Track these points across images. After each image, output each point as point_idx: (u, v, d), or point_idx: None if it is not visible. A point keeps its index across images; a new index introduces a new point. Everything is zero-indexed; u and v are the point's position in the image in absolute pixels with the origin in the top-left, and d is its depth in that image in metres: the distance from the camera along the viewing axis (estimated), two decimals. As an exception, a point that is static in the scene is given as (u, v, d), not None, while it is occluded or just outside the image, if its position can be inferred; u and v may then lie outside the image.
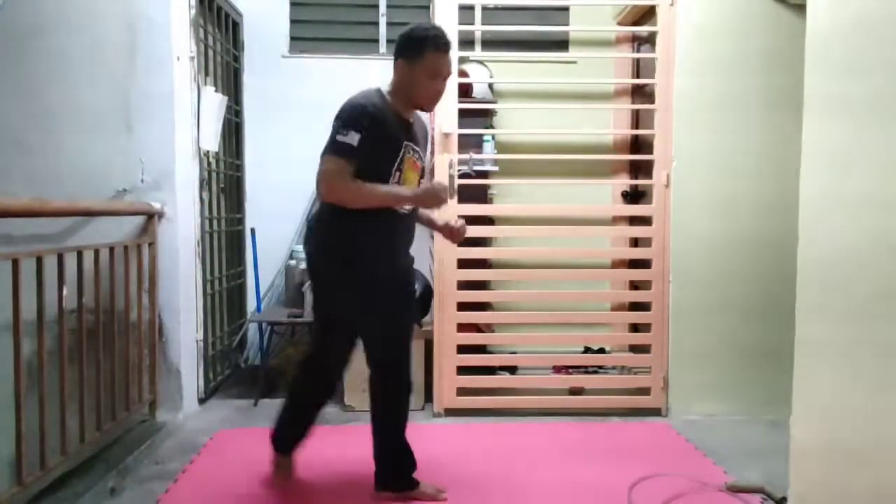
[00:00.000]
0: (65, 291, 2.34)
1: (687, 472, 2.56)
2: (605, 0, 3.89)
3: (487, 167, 3.68)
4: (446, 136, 3.22)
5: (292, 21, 4.19)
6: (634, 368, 3.52)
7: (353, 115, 2.11)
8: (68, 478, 2.38)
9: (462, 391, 3.29)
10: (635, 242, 3.65)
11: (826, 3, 1.79)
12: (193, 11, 3.22)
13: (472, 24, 4.04)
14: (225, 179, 3.83)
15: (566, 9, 4.10)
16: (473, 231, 3.31)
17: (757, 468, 2.58)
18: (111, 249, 2.71)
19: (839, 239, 1.72)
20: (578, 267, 3.50)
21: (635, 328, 3.70)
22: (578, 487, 2.46)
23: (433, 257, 3.36)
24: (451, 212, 3.23)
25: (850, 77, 1.69)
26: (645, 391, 3.33)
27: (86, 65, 2.97)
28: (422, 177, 2.34)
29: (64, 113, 2.97)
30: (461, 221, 2.37)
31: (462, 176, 3.31)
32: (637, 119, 4.02)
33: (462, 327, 3.31)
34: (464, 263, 3.28)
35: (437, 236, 3.23)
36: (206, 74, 3.48)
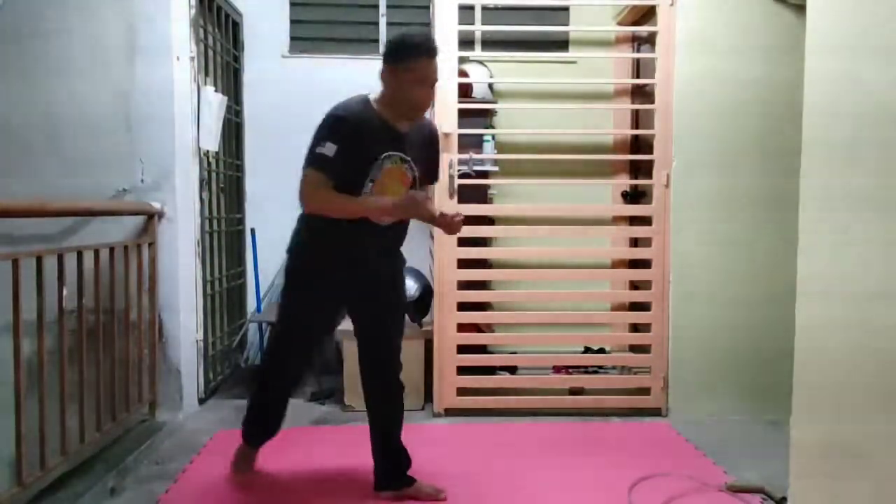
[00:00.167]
0: (65, 291, 2.34)
1: (687, 472, 2.56)
2: (605, 0, 3.89)
3: (487, 167, 3.68)
4: (446, 136, 3.22)
5: (292, 21, 4.20)
6: (634, 368, 3.52)
7: (330, 126, 2.12)
8: (68, 478, 2.38)
9: (462, 391, 3.29)
10: (635, 242, 3.65)
11: (826, 3, 1.78)
12: (193, 11, 3.22)
13: (472, 24, 4.04)
14: (225, 179, 3.83)
15: (566, 9, 4.10)
16: (473, 231, 3.33)
17: (757, 468, 2.58)
18: (111, 249, 2.71)
19: (839, 239, 1.72)
20: (578, 267, 3.50)
21: (635, 328, 3.70)
22: (578, 487, 2.46)
23: (433, 257, 3.36)
24: (451, 212, 3.23)
25: (851, 76, 1.69)
26: (645, 391, 3.33)
27: (86, 65, 2.97)
28: (413, 186, 2.26)
29: (64, 113, 2.97)
30: (459, 215, 2.32)
31: (462, 176, 3.31)
32: (637, 119, 4.02)
33: (462, 327, 3.31)
34: (464, 263, 3.28)
35: (437, 234, 3.24)
36: (206, 74, 3.48)
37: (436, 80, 2.17)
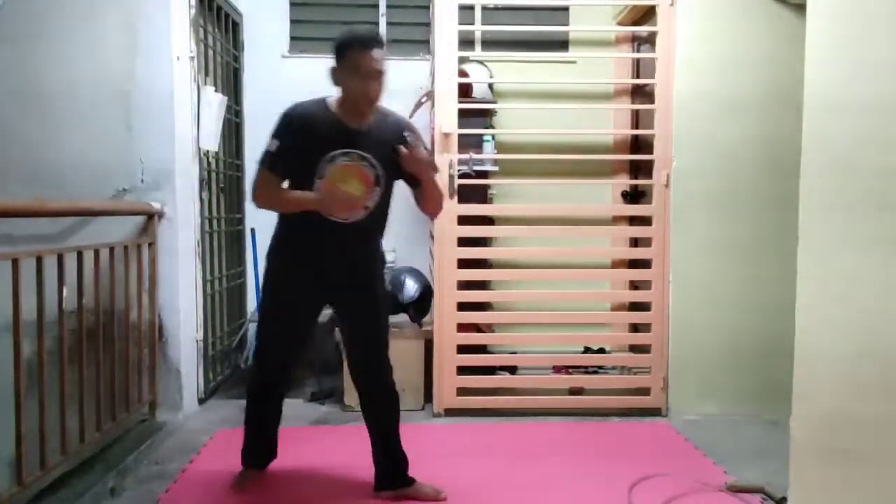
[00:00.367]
0: (65, 291, 2.34)
1: (687, 472, 2.56)
2: (605, 0, 3.89)
3: (487, 167, 3.68)
4: (446, 136, 3.22)
5: (292, 21, 4.20)
6: (634, 368, 3.52)
7: (278, 124, 2.21)
8: (68, 478, 2.38)
9: (462, 391, 3.29)
10: (635, 242, 3.65)
11: (826, 2, 1.78)
12: (193, 11, 3.22)
13: (472, 24, 4.04)
14: (225, 179, 3.83)
15: (566, 9, 4.10)
16: (473, 231, 3.33)
17: (757, 468, 2.58)
18: (111, 249, 2.71)
19: (839, 239, 1.72)
20: (578, 267, 3.50)
21: (635, 328, 3.70)
22: (578, 487, 2.46)
23: (433, 257, 3.36)
24: (451, 212, 3.24)
25: (851, 76, 1.69)
26: (645, 391, 3.33)
27: (86, 65, 2.97)
28: (377, 183, 2.23)
29: (64, 113, 2.97)
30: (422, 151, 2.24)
31: (462, 176, 3.31)
32: (637, 119, 4.02)
33: (462, 327, 3.31)
34: (464, 263, 3.28)
35: (437, 234, 3.24)
36: (206, 74, 3.48)
37: (379, 70, 2.15)
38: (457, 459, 2.72)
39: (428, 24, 3.80)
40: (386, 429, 2.39)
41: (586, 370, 3.59)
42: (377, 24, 4.21)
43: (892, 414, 1.53)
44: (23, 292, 2.09)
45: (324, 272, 2.30)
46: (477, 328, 3.49)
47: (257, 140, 4.08)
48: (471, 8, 4.02)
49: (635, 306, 3.61)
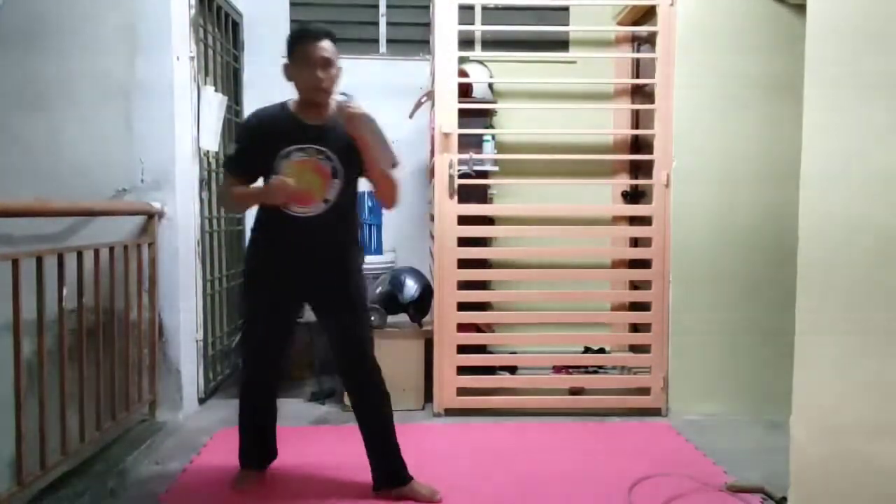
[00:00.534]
0: (65, 291, 2.34)
1: (687, 472, 2.56)
2: (605, 0, 3.89)
3: (487, 167, 3.68)
4: (446, 136, 3.22)
5: (292, 21, 4.19)
6: (634, 368, 3.52)
7: (238, 129, 2.32)
8: (68, 478, 2.38)
9: (462, 391, 3.29)
10: (635, 242, 3.65)
11: (826, 2, 1.78)
12: (193, 11, 3.23)
13: (472, 24, 4.04)
14: (225, 179, 3.83)
15: (566, 9, 4.10)
16: (473, 231, 3.33)
17: (757, 468, 2.58)
18: (111, 249, 2.71)
19: (839, 240, 1.72)
20: (578, 267, 3.50)
21: (635, 328, 3.70)
22: (578, 487, 2.46)
23: (433, 257, 3.36)
24: (452, 212, 3.24)
25: (851, 76, 1.69)
26: (645, 391, 3.33)
27: (86, 65, 2.97)
28: (335, 177, 2.23)
29: (64, 113, 2.97)
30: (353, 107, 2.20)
31: (462, 176, 3.31)
32: (637, 119, 4.02)
33: (462, 327, 3.31)
34: (464, 263, 3.28)
35: (437, 234, 3.24)
36: (206, 74, 3.48)
37: (325, 58, 2.17)
38: (457, 459, 2.72)
39: (428, 24, 3.81)
40: (376, 428, 2.38)
41: (586, 370, 3.59)
42: (377, 24, 4.22)
43: (893, 414, 1.54)
44: (23, 292, 2.09)
45: (294, 270, 2.31)
46: (477, 328, 3.49)
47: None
48: (471, 8, 4.03)
49: (635, 306, 3.61)
